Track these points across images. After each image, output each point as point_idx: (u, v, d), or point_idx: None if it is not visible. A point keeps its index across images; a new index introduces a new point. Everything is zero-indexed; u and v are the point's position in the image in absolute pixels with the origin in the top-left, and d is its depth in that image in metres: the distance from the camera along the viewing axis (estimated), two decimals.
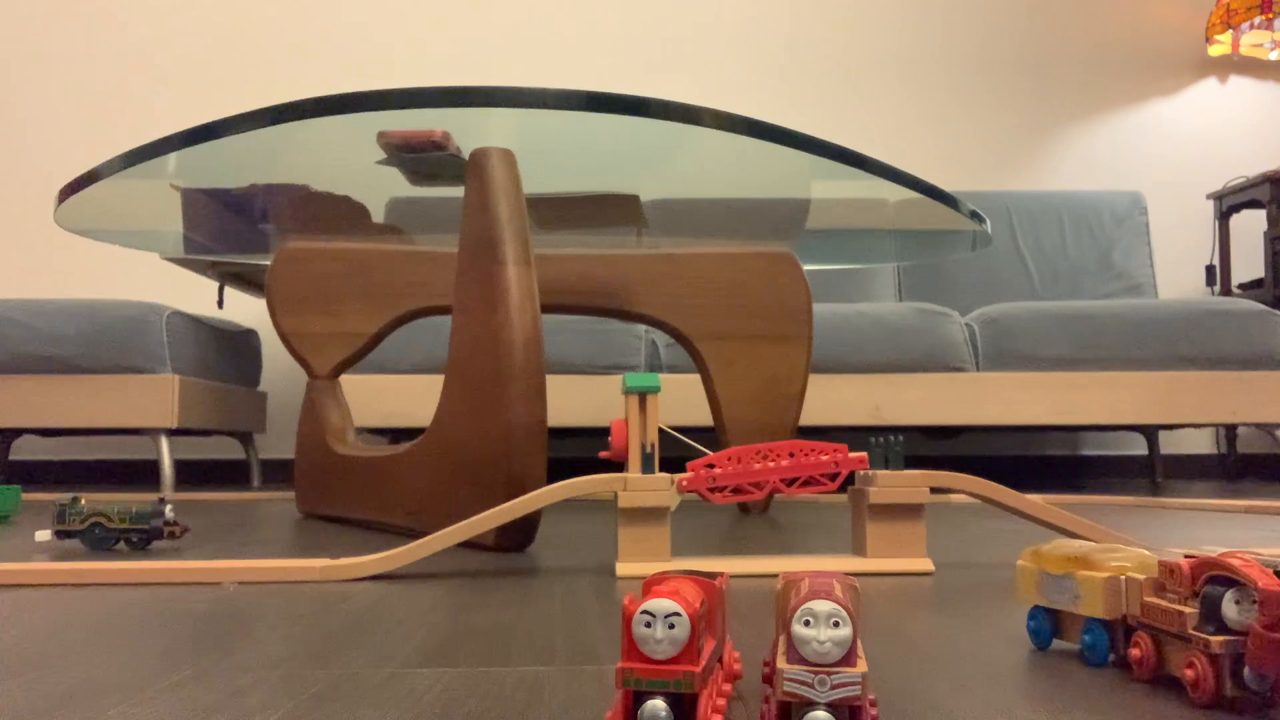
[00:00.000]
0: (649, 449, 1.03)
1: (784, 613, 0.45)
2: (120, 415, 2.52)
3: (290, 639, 0.68)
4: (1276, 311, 2.76)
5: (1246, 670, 0.47)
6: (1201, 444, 3.47)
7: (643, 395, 1.05)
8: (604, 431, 2.46)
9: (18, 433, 2.93)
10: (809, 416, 2.55)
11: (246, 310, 3.47)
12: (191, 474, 3.42)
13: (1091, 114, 3.59)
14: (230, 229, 1.84)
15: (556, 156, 1.46)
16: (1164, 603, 0.53)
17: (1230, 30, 3.41)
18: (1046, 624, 0.63)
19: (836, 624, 0.38)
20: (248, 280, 2.95)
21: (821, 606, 0.38)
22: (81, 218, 1.74)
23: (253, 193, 1.63)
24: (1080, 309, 2.75)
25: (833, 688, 0.38)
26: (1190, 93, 3.62)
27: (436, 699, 0.52)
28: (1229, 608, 0.48)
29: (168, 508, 1.27)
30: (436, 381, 2.53)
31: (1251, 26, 3.39)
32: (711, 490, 1.00)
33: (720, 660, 0.47)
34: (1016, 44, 3.61)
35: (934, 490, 0.96)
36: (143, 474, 3.42)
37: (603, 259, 1.84)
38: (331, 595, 0.88)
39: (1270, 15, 3.34)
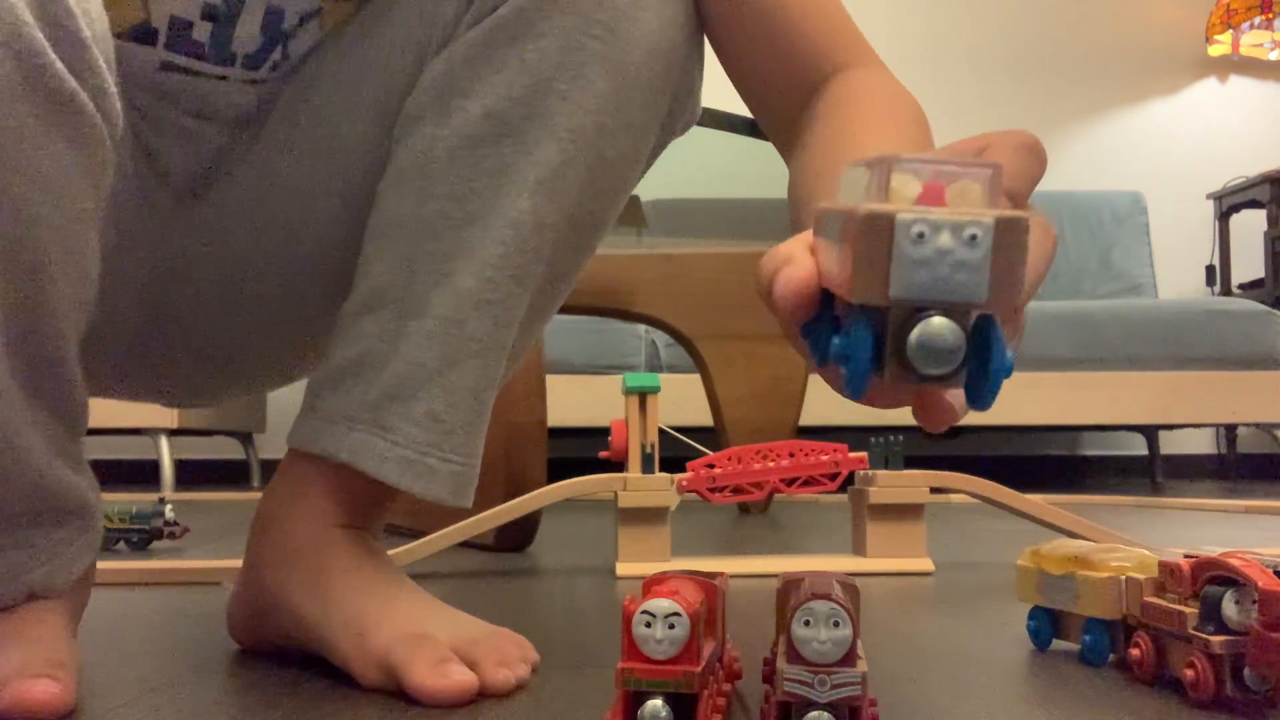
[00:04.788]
0: (649, 449, 1.03)
1: (784, 613, 0.45)
2: (120, 415, 2.52)
3: None
4: (1276, 311, 2.76)
5: (1246, 670, 0.47)
6: (1201, 444, 3.47)
7: (643, 395, 1.05)
8: (604, 431, 2.45)
9: None
10: (809, 416, 2.54)
11: None
12: (191, 474, 3.42)
13: (1091, 114, 3.59)
14: None
15: None
16: (1164, 603, 0.53)
17: (1230, 30, 3.41)
18: (1046, 624, 0.63)
19: (836, 624, 0.38)
20: None
21: (821, 606, 0.38)
22: None
23: None
24: (1080, 309, 2.75)
25: (833, 688, 0.38)
26: (1190, 93, 3.62)
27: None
28: (1229, 608, 0.48)
29: (168, 508, 1.26)
30: None
31: (1251, 26, 3.39)
32: (711, 490, 1.00)
33: (720, 660, 0.47)
34: (1016, 44, 3.61)
35: (934, 490, 0.96)
36: (143, 474, 3.43)
37: (603, 259, 1.84)
38: None
39: (1270, 15, 3.34)
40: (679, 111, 0.66)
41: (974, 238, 0.31)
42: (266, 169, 0.66)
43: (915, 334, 0.31)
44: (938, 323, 0.31)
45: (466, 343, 0.57)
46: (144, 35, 0.60)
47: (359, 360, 0.58)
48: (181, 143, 0.64)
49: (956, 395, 0.35)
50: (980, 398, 0.33)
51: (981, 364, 0.32)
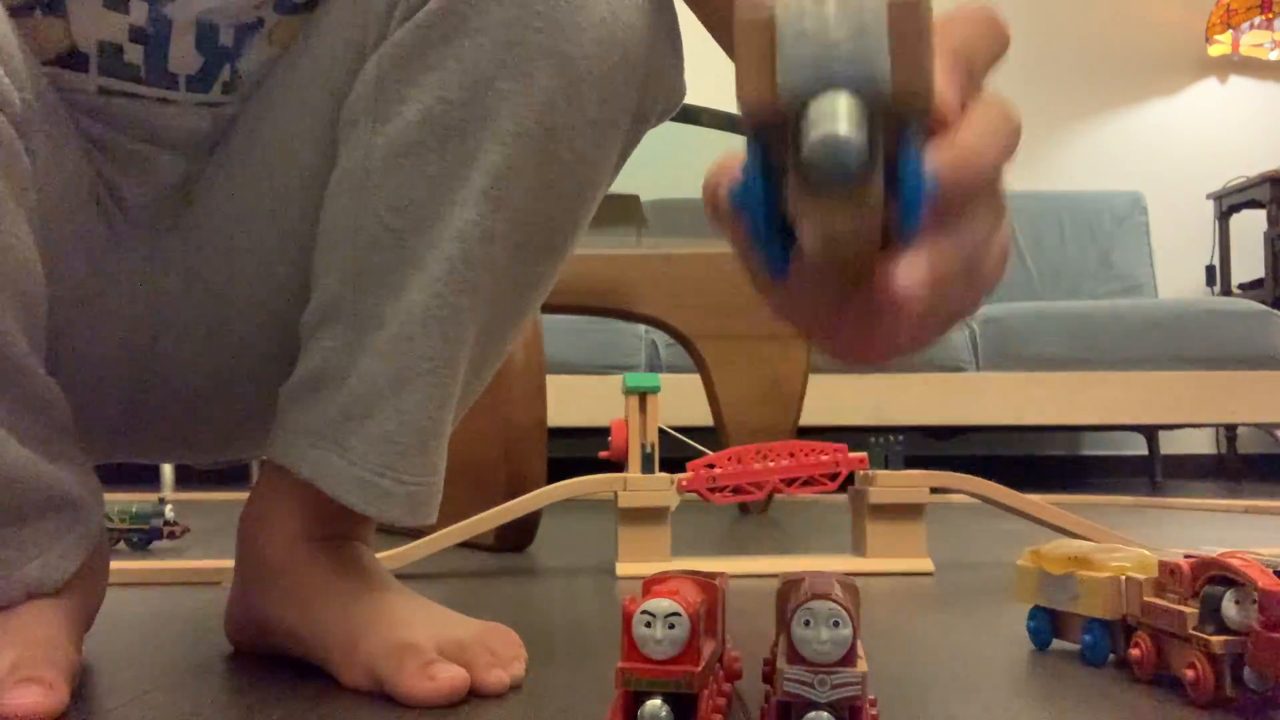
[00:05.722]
0: (649, 449, 1.03)
1: (784, 613, 0.45)
2: None
3: None
4: (1276, 311, 2.76)
5: (1246, 670, 0.47)
6: (1201, 444, 3.46)
7: (643, 395, 1.05)
8: (604, 431, 2.45)
9: None
10: (809, 416, 2.54)
11: None
12: (191, 474, 3.42)
13: (1091, 114, 3.59)
14: None
15: None
16: (1164, 603, 0.53)
17: (1230, 30, 3.40)
18: (1046, 624, 0.63)
19: (836, 624, 0.38)
20: None
21: (821, 606, 0.38)
22: None
23: None
24: (1080, 309, 2.75)
25: (833, 688, 0.38)
26: (1190, 93, 3.61)
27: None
28: (1229, 608, 0.48)
29: (168, 508, 1.27)
30: None
31: (1251, 26, 3.39)
32: (711, 490, 1.00)
33: (720, 660, 0.47)
34: (1016, 44, 3.57)
35: (934, 490, 0.96)
36: (143, 474, 3.42)
37: (603, 259, 1.84)
38: None
39: (1270, 15, 3.33)
40: (652, 100, 0.60)
41: (865, 23, 0.27)
42: (234, 194, 0.62)
43: (810, 116, 0.27)
44: (832, 101, 0.27)
45: (417, 360, 0.54)
46: (74, 61, 0.56)
47: (320, 374, 0.56)
48: (139, 171, 0.61)
49: (893, 280, 0.30)
50: (904, 220, 0.29)
51: (894, 181, 0.28)
